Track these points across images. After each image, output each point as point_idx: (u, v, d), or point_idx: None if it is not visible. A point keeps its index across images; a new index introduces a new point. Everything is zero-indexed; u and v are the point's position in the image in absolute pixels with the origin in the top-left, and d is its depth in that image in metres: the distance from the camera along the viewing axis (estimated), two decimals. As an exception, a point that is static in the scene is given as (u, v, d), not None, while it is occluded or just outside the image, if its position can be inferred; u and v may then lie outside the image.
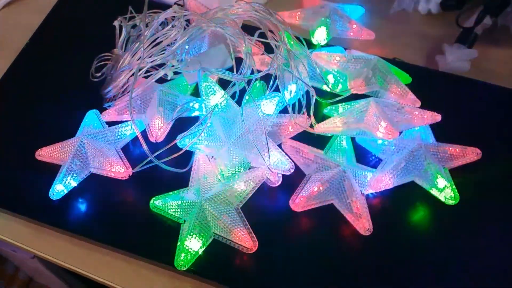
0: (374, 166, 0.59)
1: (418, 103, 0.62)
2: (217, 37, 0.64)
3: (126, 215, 0.57)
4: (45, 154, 0.59)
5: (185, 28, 0.59)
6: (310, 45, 0.68)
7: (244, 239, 0.52)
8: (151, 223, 0.56)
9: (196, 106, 0.61)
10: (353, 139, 0.62)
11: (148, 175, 0.56)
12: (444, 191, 0.56)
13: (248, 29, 0.61)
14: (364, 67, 0.62)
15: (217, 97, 0.56)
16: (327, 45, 0.70)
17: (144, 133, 0.59)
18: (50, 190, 0.56)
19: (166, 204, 0.55)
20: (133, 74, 0.58)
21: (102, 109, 0.62)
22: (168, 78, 0.60)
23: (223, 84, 0.57)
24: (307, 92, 0.59)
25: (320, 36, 0.69)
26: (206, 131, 0.56)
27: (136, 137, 0.59)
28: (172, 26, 0.58)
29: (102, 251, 0.56)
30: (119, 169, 0.57)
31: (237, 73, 0.57)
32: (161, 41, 0.58)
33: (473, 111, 0.66)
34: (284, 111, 0.59)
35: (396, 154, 0.58)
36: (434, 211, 0.57)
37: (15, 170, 0.61)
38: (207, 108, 0.56)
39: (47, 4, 0.79)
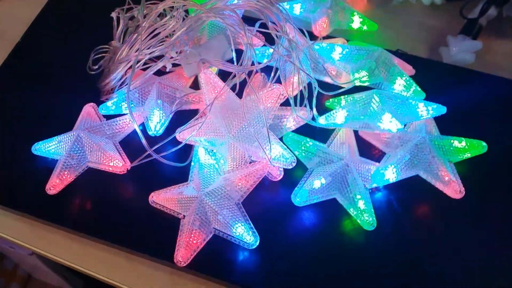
0: (378, 160, 0.58)
1: (423, 95, 0.61)
2: (217, 28, 0.62)
3: (125, 210, 0.56)
4: (42, 148, 0.58)
5: (184, 19, 0.57)
6: (312, 37, 0.67)
7: (245, 234, 0.51)
8: (150, 219, 0.55)
9: (196, 98, 0.59)
10: (355, 132, 0.61)
11: (147, 169, 0.56)
12: (450, 184, 0.55)
13: (249, 20, 0.60)
14: (367, 58, 0.61)
15: (217, 89, 0.55)
16: (328, 36, 0.69)
17: (142, 127, 0.59)
18: (47, 185, 0.56)
19: (165, 199, 0.54)
20: (130, 67, 0.57)
21: (99, 102, 0.61)
22: (167, 70, 0.59)
23: (223, 76, 0.56)
24: (309, 84, 0.57)
25: (321, 27, 0.68)
26: (205, 124, 0.55)
27: (135, 131, 0.57)
28: (171, 17, 0.57)
29: (100, 247, 0.56)
30: (117, 163, 0.56)
31: (237, 64, 0.56)
32: (160, 32, 0.57)
33: (478, 103, 0.64)
34: (286, 103, 0.57)
35: (400, 148, 0.57)
36: (439, 206, 0.56)
37: (11, 165, 0.60)
38: (206, 101, 0.55)
39: (43, -4, 0.77)
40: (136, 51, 0.58)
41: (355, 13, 0.70)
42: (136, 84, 0.59)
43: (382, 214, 0.54)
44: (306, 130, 0.59)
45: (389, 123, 0.55)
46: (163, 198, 0.54)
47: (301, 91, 0.55)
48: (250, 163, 0.55)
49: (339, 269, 0.52)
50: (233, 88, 0.56)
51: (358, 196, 0.54)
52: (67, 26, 0.74)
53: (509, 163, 0.59)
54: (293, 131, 0.59)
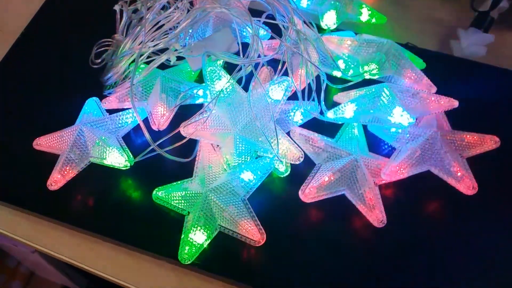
0: (387, 155, 0.57)
1: (434, 89, 0.60)
2: (222, 21, 0.61)
3: (128, 207, 0.55)
4: (43, 143, 0.57)
5: (188, 10, 0.56)
6: (319, 30, 0.65)
7: (251, 231, 0.50)
8: (153, 215, 0.54)
9: (200, 92, 0.58)
10: (365, 127, 0.59)
11: (151, 164, 0.55)
12: (462, 180, 0.54)
13: (255, 13, 0.59)
14: (377, 51, 0.59)
15: (223, 82, 0.54)
16: (336, 29, 0.68)
17: (146, 121, 0.57)
18: (48, 180, 0.55)
19: (169, 195, 0.53)
20: (134, 60, 0.56)
21: (102, 97, 0.60)
22: (171, 63, 0.58)
23: (229, 69, 0.55)
24: (317, 78, 0.56)
25: (329, 20, 0.67)
26: (211, 118, 0.54)
27: (138, 126, 0.58)
28: (175, 9, 0.56)
29: (103, 244, 0.55)
30: (120, 159, 0.55)
31: (243, 57, 0.55)
32: (163, 25, 0.56)
33: (490, 97, 0.63)
34: (293, 97, 0.56)
35: (410, 142, 0.56)
36: (451, 202, 0.55)
37: (12, 160, 0.59)
38: (212, 94, 0.54)
39: (46, -11, 0.76)
40: (140, 43, 0.57)
41: (364, 6, 0.68)
42: (140, 77, 0.58)
43: (392, 210, 0.53)
44: (313, 125, 0.58)
45: (400, 117, 0.53)
46: (167, 194, 0.53)
47: (309, 84, 0.54)
48: (256, 158, 0.54)
49: (348, 267, 0.51)
50: (239, 82, 0.55)
51: (368, 192, 0.53)
52: (69, 20, 0.73)
53: (523, 158, 0.58)
54: (300, 126, 0.58)
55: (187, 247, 0.50)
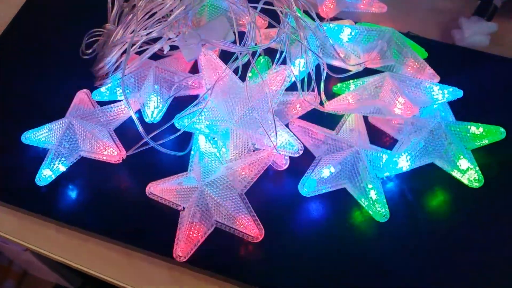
0: (389, 148, 0.55)
1: (437, 78, 0.58)
2: (217, 10, 0.59)
3: (120, 203, 0.54)
4: (31, 137, 0.56)
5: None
6: (318, 18, 0.63)
7: (249, 227, 0.49)
8: (147, 211, 0.53)
9: (195, 83, 0.57)
10: (365, 118, 0.58)
11: (144, 158, 0.54)
12: (468, 173, 0.53)
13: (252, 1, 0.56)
14: (378, 39, 0.58)
15: (218, 72, 0.52)
16: (335, 18, 0.65)
17: (138, 114, 0.56)
18: (37, 175, 0.53)
19: (163, 190, 0.52)
20: (126, 50, 0.54)
21: (93, 88, 0.59)
22: (165, 52, 0.57)
23: (225, 59, 0.53)
24: (317, 67, 0.54)
25: (328, 8, 0.64)
26: (206, 110, 0.52)
27: (130, 118, 0.56)
28: (168, -5, 0.54)
29: (95, 242, 0.54)
30: (111, 152, 0.54)
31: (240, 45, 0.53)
32: (156, 12, 0.54)
33: (494, 88, 0.62)
34: (291, 88, 0.54)
35: (413, 134, 0.54)
36: (455, 195, 0.54)
37: (-1, 155, 0.58)
38: (207, 85, 0.52)
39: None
40: (132, 32, 0.55)
41: (363, -7, 0.66)
42: (132, 68, 0.56)
43: (395, 205, 0.51)
44: (313, 116, 0.56)
45: (404, 107, 0.51)
46: (161, 189, 0.52)
47: (308, 73, 0.52)
48: (254, 151, 0.52)
49: (350, 264, 0.50)
50: (235, 71, 0.54)
51: (370, 186, 0.51)
52: (59, 9, 0.71)
53: (529, 150, 0.57)
54: (299, 117, 0.56)
55: (182, 244, 0.49)
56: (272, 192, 0.54)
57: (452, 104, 0.57)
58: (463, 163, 0.53)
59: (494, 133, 0.54)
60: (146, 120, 0.55)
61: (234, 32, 0.56)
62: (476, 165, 0.53)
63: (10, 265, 1.16)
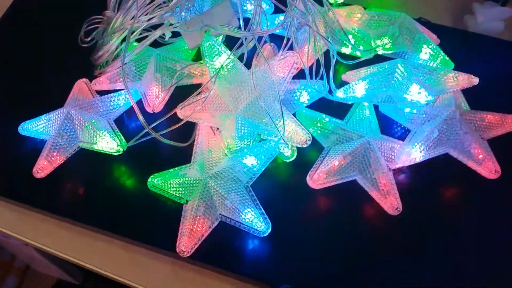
0: (401, 138, 0.54)
1: (451, 65, 0.57)
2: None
3: (121, 196, 0.53)
4: (29, 127, 0.55)
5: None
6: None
7: (255, 221, 0.48)
8: (149, 205, 0.52)
9: (198, 71, 0.55)
10: (376, 107, 0.56)
11: (145, 150, 0.53)
12: (484, 163, 0.51)
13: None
14: (389, 25, 0.56)
15: (223, 58, 0.50)
16: (344, 4, 0.63)
17: (139, 103, 0.55)
18: (34, 167, 0.53)
19: (166, 182, 0.51)
20: (126, 37, 0.52)
21: (92, 77, 0.58)
22: (166, 39, 0.55)
23: (229, 45, 0.52)
24: (325, 54, 0.52)
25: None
26: (210, 99, 0.51)
27: (131, 108, 0.55)
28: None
29: (95, 237, 0.53)
30: (111, 143, 0.53)
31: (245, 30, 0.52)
32: (158, -3, 0.52)
33: (510, 75, 0.60)
34: (298, 76, 0.53)
35: (427, 123, 0.53)
36: (471, 187, 0.52)
37: (-4, 146, 0.56)
38: (211, 72, 0.51)
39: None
40: (132, 18, 0.53)
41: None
42: (132, 56, 0.56)
43: (407, 197, 0.50)
44: (320, 106, 0.55)
45: (417, 95, 0.50)
46: (163, 182, 0.51)
47: (317, 60, 0.50)
48: (259, 141, 0.51)
49: (360, 258, 0.49)
50: (240, 58, 0.52)
51: (381, 178, 0.50)
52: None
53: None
54: (307, 106, 0.55)
55: (185, 239, 0.48)
56: (279, 184, 0.53)
57: (466, 92, 0.56)
58: (479, 153, 0.51)
59: (511, 122, 0.52)
60: (147, 109, 0.55)
61: (238, 19, 0.55)
62: (492, 155, 0.51)
63: (13, 261, 1.16)
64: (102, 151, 0.53)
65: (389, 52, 0.56)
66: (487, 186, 0.51)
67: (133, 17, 0.53)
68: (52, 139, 0.53)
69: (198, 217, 0.48)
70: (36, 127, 0.54)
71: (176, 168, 0.52)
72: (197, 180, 0.49)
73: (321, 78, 0.52)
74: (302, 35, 0.55)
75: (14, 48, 0.65)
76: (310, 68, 0.51)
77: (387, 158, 0.51)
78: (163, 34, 0.55)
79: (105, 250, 0.52)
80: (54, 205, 0.52)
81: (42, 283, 1.16)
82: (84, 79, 0.58)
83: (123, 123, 0.56)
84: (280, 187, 0.53)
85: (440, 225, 0.50)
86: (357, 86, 0.53)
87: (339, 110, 0.55)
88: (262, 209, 0.49)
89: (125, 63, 0.55)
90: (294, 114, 0.53)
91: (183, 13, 0.54)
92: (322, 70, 0.50)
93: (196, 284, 0.50)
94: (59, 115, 0.54)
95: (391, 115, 0.56)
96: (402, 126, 0.55)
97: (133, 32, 0.53)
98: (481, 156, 0.51)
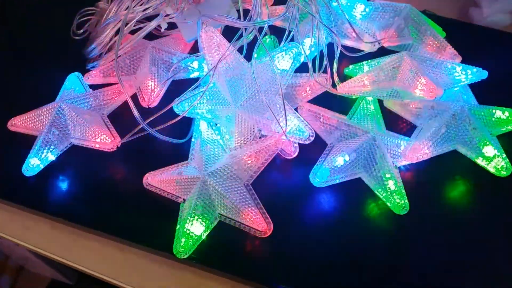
0: (406, 134, 0.53)
1: (459, 58, 0.56)
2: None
3: (115, 195, 0.52)
4: (19, 123, 0.54)
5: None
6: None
7: (256, 220, 0.47)
8: (145, 204, 0.51)
9: (195, 65, 0.54)
10: (380, 102, 0.55)
11: (141, 146, 0.52)
12: (494, 160, 0.50)
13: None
14: (394, 16, 0.55)
15: (221, 51, 0.49)
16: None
17: (134, 98, 0.54)
18: (24, 165, 0.52)
19: (162, 180, 0.50)
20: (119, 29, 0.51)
21: (85, 71, 0.58)
22: (162, 30, 0.54)
23: (228, 37, 0.50)
24: (328, 46, 0.50)
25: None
26: (208, 93, 0.49)
27: (125, 102, 0.55)
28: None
29: (88, 237, 0.52)
30: (105, 139, 0.52)
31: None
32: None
33: None
34: (299, 70, 0.52)
35: (434, 119, 0.52)
36: (480, 185, 0.52)
37: (-16, 144, 0.55)
38: (209, 65, 0.49)
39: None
40: (126, 9, 0.53)
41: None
42: (127, 48, 0.55)
43: (414, 196, 0.49)
44: (323, 100, 0.54)
45: (426, 89, 0.49)
46: (159, 180, 0.50)
47: (321, 51, 0.48)
48: (260, 138, 0.50)
49: (365, 260, 0.48)
50: (240, 50, 0.51)
51: (388, 175, 0.49)
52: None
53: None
54: (309, 101, 0.53)
55: (183, 239, 0.47)
56: (281, 182, 0.52)
57: (473, 87, 0.55)
58: (489, 150, 0.50)
59: (521, 118, 0.51)
60: (143, 104, 0.53)
61: (238, 11, 0.54)
62: (503, 152, 0.51)
63: (6, 260, 1.15)
64: (95, 148, 0.52)
65: (395, 44, 0.55)
66: (497, 184, 0.50)
67: (127, 8, 0.52)
68: (43, 135, 0.52)
69: (196, 217, 0.47)
70: (26, 122, 0.53)
71: (173, 166, 0.51)
72: (195, 178, 0.48)
73: (324, 72, 0.51)
74: (304, 26, 0.54)
75: (3, 41, 0.64)
76: (313, 60, 0.49)
77: (393, 155, 0.50)
78: (159, 26, 0.53)
79: (99, 251, 0.51)
80: (44, 205, 0.51)
81: (36, 283, 1.14)
82: (76, 73, 0.57)
83: (117, 119, 0.55)
84: (282, 185, 0.52)
85: (449, 225, 0.49)
86: (361, 80, 0.51)
87: (342, 105, 0.54)
88: (263, 209, 0.47)
89: (119, 56, 0.54)
90: (296, 109, 0.52)
91: (179, 4, 0.52)
92: (325, 61, 0.48)
93: (194, 287, 0.49)
94: (50, 110, 0.53)
95: (396, 110, 0.54)
96: (408, 122, 0.54)
97: (127, 24, 0.52)
98: (491, 153, 0.49)
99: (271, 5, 0.59)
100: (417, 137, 0.51)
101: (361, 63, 0.56)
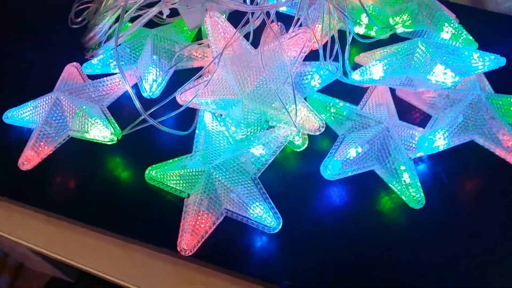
0: (420, 125, 0.51)
1: (475, 45, 0.54)
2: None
3: (116, 190, 0.51)
4: (14, 115, 0.53)
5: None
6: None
7: (264, 216, 0.46)
8: (147, 199, 0.50)
9: (199, 53, 0.53)
10: (392, 91, 0.54)
11: (142, 139, 0.52)
12: None
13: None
14: (407, 1, 0.53)
15: (227, 37, 0.47)
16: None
17: (135, 88, 0.54)
18: (20, 158, 0.51)
19: (165, 174, 0.49)
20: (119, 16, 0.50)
21: (83, 61, 0.56)
22: (164, 16, 0.53)
23: (234, 22, 0.49)
24: (339, 33, 0.48)
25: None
26: (212, 82, 0.48)
27: (126, 93, 0.54)
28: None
29: (88, 234, 0.51)
30: (104, 132, 0.51)
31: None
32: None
33: None
34: (308, 58, 0.49)
35: (449, 108, 0.50)
36: (499, 177, 0.50)
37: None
38: (213, 53, 0.48)
39: None
40: None
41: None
42: (127, 37, 0.53)
43: (429, 189, 0.48)
44: (334, 89, 0.52)
45: (442, 76, 0.47)
46: (162, 174, 0.49)
47: (332, 37, 0.46)
48: (268, 128, 0.49)
49: (378, 256, 0.46)
50: (246, 37, 0.49)
51: (402, 168, 0.47)
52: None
53: None
54: (319, 90, 0.52)
55: (187, 236, 0.46)
56: (290, 175, 0.51)
57: (488, 75, 0.53)
58: (508, 140, 0.48)
59: (540, 107, 0.50)
60: (144, 95, 0.52)
61: None
62: None
63: (6, 258, 1.14)
64: (95, 140, 0.52)
65: (408, 30, 0.53)
66: (515, 175, 0.49)
67: (127, -6, 0.50)
68: (40, 127, 0.51)
69: (201, 213, 0.46)
70: (22, 114, 0.53)
71: (176, 159, 0.50)
72: (200, 171, 0.47)
73: (335, 60, 0.49)
74: (312, 12, 0.52)
75: (1, 30, 0.63)
76: (324, 47, 0.47)
77: (407, 146, 0.49)
78: (161, 13, 0.51)
79: (100, 249, 0.50)
80: (42, 200, 0.51)
81: (35, 281, 1.14)
82: (74, 63, 0.56)
83: (118, 110, 0.54)
84: (291, 178, 0.51)
85: (466, 218, 0.48)
86: (374, 68, 0.50)
87: (353, 94, 0.52)
88: (272, 203, 0.46)
89: (119, 45, 0.53)
90: (304, 99, 0.50)
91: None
92: (336, 48, 0.46)
93: (199, 285, 0.48)
94: (47, 102, 0.52)
95: (409, 99, 0.53)
96: (422, 112, 0.53)
97: (127, 11, 0.50)
98: (510, 143, 0.48)
99: None
100: (432, 127, 0.49)
101: (373, 51, 0.54)
